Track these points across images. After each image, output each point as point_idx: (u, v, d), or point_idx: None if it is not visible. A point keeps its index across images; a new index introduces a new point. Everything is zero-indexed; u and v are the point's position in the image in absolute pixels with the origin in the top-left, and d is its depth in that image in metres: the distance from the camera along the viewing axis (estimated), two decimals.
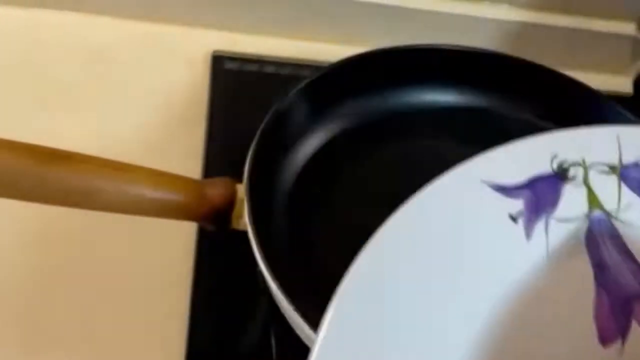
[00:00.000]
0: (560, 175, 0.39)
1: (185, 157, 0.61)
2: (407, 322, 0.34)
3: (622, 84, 0.70)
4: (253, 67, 0.67)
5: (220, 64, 0.68)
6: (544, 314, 0.37)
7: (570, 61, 0.68)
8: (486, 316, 0.35)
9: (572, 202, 0.39)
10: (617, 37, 0.70)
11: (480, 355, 0.35)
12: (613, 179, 0.39)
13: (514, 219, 0.38)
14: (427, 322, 0.34)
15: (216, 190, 0.48)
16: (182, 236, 0.56)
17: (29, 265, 0.54)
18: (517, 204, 0.38)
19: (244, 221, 0.47)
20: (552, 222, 0.38)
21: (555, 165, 0.39)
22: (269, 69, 0.67)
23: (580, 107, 0.62)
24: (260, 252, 0.46)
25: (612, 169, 0.39)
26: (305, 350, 0.50)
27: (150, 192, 0.46)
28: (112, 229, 0.54)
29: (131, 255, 0.56)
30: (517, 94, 0.62)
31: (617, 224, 0.39)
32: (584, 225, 0.38)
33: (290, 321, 0.48)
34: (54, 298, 0.53)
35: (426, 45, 0.60)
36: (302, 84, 0.55)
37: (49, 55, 0.66)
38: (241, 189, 0.49)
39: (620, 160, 0.39)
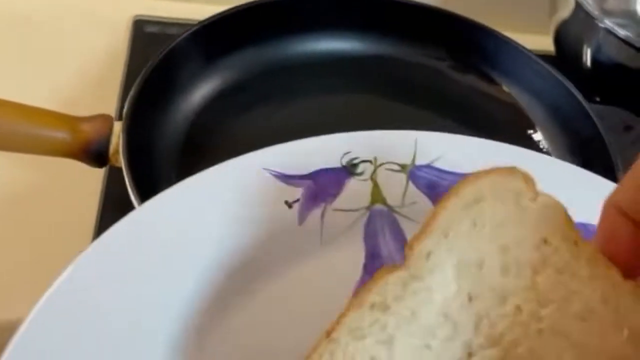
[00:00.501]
0: (348, 170, 0.41)
1: None
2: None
3: (544, 44, 0.69)
4: (172, 30, 0.67)
5: (141, 28, 0.68)
6: (308, 299, 0.37)
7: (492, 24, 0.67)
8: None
9: (355, 194, 0.40)
10: None
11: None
12: (401, 177, 0.41)
13: (289, 205, 0.39)
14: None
15: (92, 125, 0.48)
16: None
17: None
18: (296, 192, 0.39)
19: (120, 158, 0.47)
20: (330, 211, 0.40)
21: (345, 161, 0.41)
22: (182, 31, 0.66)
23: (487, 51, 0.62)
24: (132, 188, 0.45)
25: (403, 167, 0.41)
26: None
27: (23, 128, 0.46)
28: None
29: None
30: (415, 39, 0.62)
31: (400, 219, 0.40)
32: (364, 217, 0.40)
33: None
34: None
35: None
36: (192, 29, 0.55)
37: None
38: (118, 126, 0.48)
39: (413, 160, 0.41)
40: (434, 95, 0.61)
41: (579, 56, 0.66)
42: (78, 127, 0.47)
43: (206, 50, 0.56)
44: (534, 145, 0.60)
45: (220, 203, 0.38)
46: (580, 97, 0.58)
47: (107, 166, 0.50)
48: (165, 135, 0.53)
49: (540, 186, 0.34)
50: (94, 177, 0.55)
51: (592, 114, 0.57)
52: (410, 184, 0.41)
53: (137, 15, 0.68)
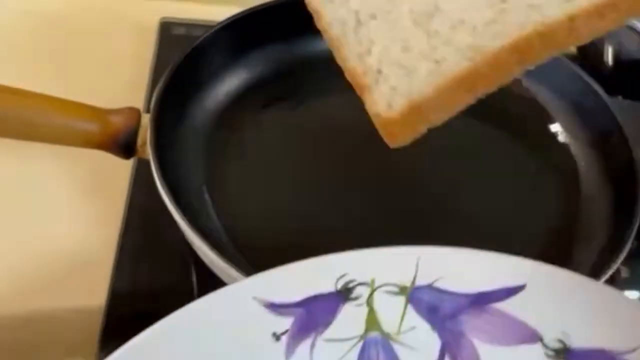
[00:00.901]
0: (342, 295, 0.38)
1: None
2: None
3: None
4: (198, 32, 0.68)
5: (168, 29, 0.70)
6: None
7: None
8: None
9: (349, 321, 0.37)
10: None
11: None
12: (400, 300, 0.38)
13: (277, 337, 0.37)
14: None
15: (120, 117, 0.49)
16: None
17: None
18: (285, 322, 0.37)
19: (148, 149, 0.48)
20: (320, 342, 0.37)
21: (339, 285, 0.38)
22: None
23: None
24: (159, 179, 0.47)
25: (402, 290, 0.38)
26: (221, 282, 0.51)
27: (54, 119, 0.47)
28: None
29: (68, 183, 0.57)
30: None
31: (396, 347, 0.37)
32: (357, 346, 0.37)
33: (194, 247, 0.48)
34: None
35: None
36: (218, 26, 0.56)
37: (6, 20, 0.69)
38: (146, 118, 0.50)
39: (413, 281, 0.38)
40: None
41: (600, 54, 0.66)
42: (107, 119, 0.49)
43: (231, 46, 0.58)
44: (551, 137, 0.60)
45: (205, 339, 0.36)
46: (600, 91, 0.59)
47: (135, 158, 0.52)
48: (190, 128, 0.54)
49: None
50: (123, 169, 0.57)
51: (612, 108, 0.58)
52: (410, 308, 0.38)
53: (163, 18, 0.70)
